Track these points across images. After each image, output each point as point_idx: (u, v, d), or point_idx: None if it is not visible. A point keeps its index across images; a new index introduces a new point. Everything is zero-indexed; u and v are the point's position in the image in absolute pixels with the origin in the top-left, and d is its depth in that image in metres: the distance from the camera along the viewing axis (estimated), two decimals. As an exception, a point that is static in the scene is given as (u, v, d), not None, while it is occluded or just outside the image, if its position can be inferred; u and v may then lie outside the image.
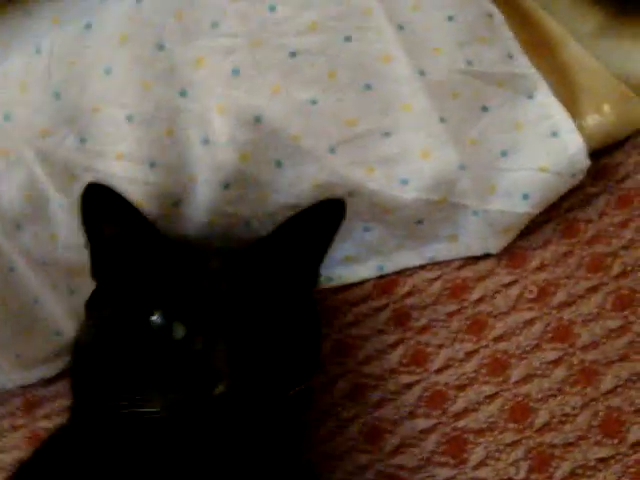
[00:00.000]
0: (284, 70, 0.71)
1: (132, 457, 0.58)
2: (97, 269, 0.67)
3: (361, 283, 0.77)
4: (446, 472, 0.65)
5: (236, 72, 0.71)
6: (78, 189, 0.70)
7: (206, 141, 0.71)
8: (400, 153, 0.72)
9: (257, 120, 0.70)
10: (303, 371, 0.62)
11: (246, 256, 0.64)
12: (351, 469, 0.68)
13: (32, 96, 0.72)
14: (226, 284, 0.60)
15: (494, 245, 0.75)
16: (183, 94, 0.71)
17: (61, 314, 0.80)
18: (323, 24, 0.71)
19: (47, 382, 0.87)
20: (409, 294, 0.75)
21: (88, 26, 0.72)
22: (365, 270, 0.78)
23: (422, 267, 0.76)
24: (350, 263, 0.78)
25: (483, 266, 0.75)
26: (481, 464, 0.65)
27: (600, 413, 0.65)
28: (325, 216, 0.65)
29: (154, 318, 0.58)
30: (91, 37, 0.72)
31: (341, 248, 0.77)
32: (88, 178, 0.72)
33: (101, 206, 0.63)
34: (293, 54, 0.71)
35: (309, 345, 0.64)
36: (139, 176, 0.71)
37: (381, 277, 0.77)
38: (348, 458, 0.69)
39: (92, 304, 0.67)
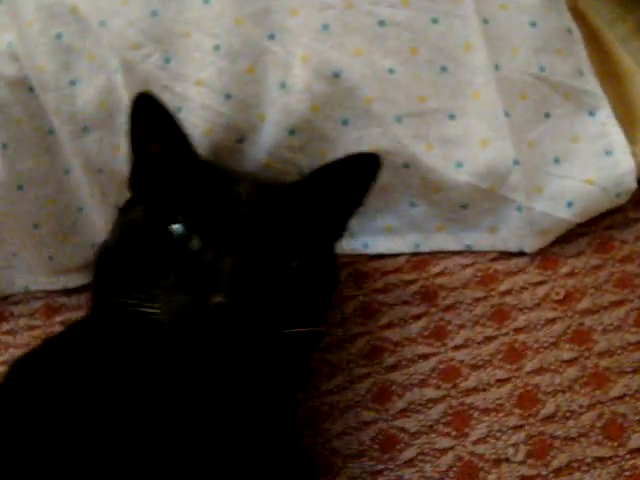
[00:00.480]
0: (370, 36, 0.76)
1: (133, 358, 0.61)
2: (135, 180, 0.71)
3: (396, 255, 0.80)
4: (446, 442, 0.68)
5: (326, 27, 0.75)
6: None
7: (283, 85, 0.75)
8: (461, 136, 0.76)
9: (335, 75, 0.74)
10: (308, 315, 0.65)
11: (274, 191, 0.67)
12: (354, 424, 0.70)
13: (131, 9, 0.76)
14: (246, 210, 0.63)
15: (530, 244, 0.78)
16: (271, 37, 0.76)
17: (101, 226, 0.83)
18: (414, 2, 0.76)
19: (70, 292, 0.90)
20: (440, 274, 0.78)
21: (195, -43, 0.77)
22: (402, 244, 0.81)
23: (457, 253, 0.80)
24: (390, 234, 0.81)
25: (516, 262, 0.78)
26: (481, 440, 0.67)
27: (605, 416, 0.67)
28: (360, 169, 0.67)
29: (176, 227, 0.61)
30: (198, -33, 0.77)
31: (384, 217, 0.81)
32: (165, 96, 0.76)
33: (149, 120, 0.66)
34: (382, 23, 0.76)
35: (318, 294, 0.67)
36: (213, 104, 0.75)
37: (416, 254, 0.80)
38: (353, 413, 0.71)
39: (124, 211, 0.71)
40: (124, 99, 0.76)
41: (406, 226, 0.81)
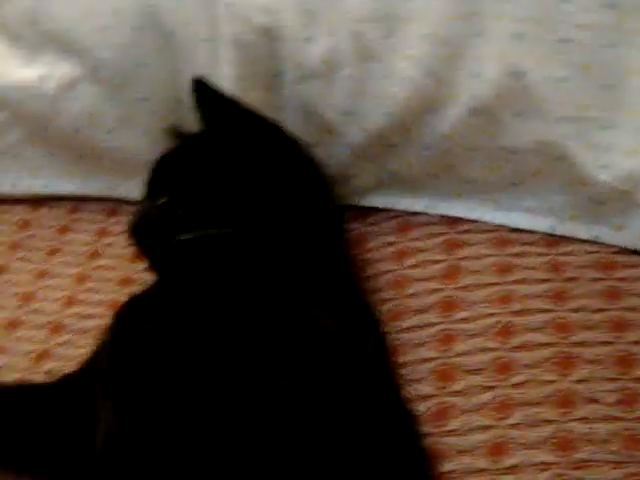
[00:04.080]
0: (554, 49, 0.99)
1: None
2: None
3: (532, 232, 1.05)
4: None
5: (520, 36, 1.00)
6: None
7: (477, 75, 1.00)
8: (610, 145, 0.98)
9: (521, 74, 0.98)
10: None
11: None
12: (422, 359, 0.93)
13: None
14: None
15: (649, 246, 1.00)
16: (477, 35, 1.01)
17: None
18: (596, 29, 0.99)
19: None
20: (568, 254, 1.01)
21: None
22: (540, 224, 1.04)
23: (585, 241, 1.03)
24: (527, 213, 1.05)
25: (636, 259, 0.99)
26: (519, 385, 0.86)
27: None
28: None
29: None
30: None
31: (525, 199, 1.05)
32: (375, 66, 1.05)
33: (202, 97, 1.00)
34: (565, 40, 0.99)
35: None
36: (416, 77, 1.02)
37: (551, 235, 1.04)
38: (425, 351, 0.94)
39: None
40: (346, 61, 1.04)
41: (545, 210, 1.03)
